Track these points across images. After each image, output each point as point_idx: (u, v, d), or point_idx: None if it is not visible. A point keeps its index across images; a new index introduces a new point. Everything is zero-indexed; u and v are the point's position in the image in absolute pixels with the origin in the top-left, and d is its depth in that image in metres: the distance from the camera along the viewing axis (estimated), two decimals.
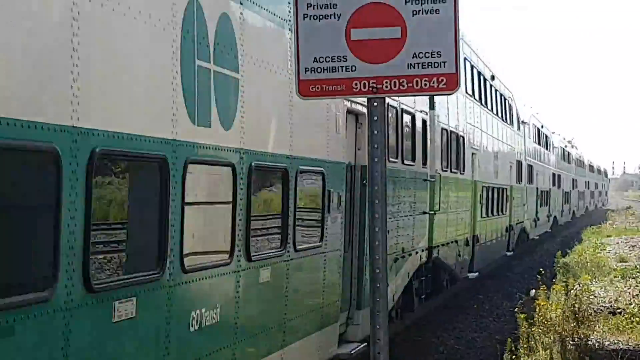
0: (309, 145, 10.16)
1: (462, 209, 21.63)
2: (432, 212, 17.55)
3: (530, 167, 38.06)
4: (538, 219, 41.17)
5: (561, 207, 55.07)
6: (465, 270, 22.61)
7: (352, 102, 11.54)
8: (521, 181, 34.36)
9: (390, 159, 13.72)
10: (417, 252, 16.46)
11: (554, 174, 50.29)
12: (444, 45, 6.30)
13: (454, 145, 20.36)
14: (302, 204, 9.90)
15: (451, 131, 19.87)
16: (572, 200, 65.35)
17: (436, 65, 6.32)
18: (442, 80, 6.33)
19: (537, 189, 40.64)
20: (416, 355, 15.67)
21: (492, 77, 27.36)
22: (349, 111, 11.74)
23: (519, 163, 34.03)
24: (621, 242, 39.50)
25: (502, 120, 29.94)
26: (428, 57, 6.32)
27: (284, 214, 9.39)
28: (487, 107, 26.24)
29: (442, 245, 19.04)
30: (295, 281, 9.88)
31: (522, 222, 34.97)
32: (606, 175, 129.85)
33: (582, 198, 77.49)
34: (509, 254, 30.97)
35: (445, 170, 19.17)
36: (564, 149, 60.46)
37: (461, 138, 21.19)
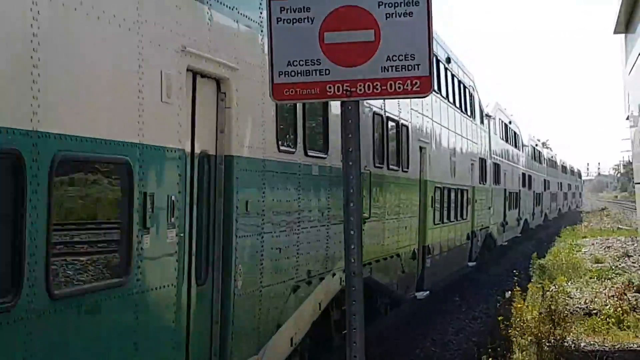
0: (90, 117, 6.59)
1: (406, 214, 17.69)
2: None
3: (496, 165, 34.45)
4: (506, 223, 37.61)
5: (532, 210, 51.69)
6: (413, 289, 18.73)
7: (205, 58, 8.40)
8: (485, 181, 30.64)
9: (289, 148, 10.73)
10: (334, 274, 12.38)
11: (523, 174, 46.93)
12: (418, 48, 6.31)
13: (394, 136, 16.86)
14: (72, 216, 6.65)
15: (388, 117, 16.21)
16: (544, 202, 62.46)
17: (410, 68, 6.32)
18: (416, 83, 6.33)
19: (505, 190, 37.12)
20: (393, 357, 15.65)
21: (448, 60, 22.98)
22: (198, 73, 8.40)
23: (483, 161, 30.09)
24: (596, 243, 39.68)
25: (461, 111, 25.55)
26: (402, 60, 6.32)
27: (20, 234, 5.81)
28: (440, 94, 21.87)
29: (377, 261, 15.31)
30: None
31: (488, 227, 31.14)
32: (580, 177, 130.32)
33: (555, 200, 75.89)
34: (471, 264, 27.38)
35: (380, 167, 15.51)
36: (534, 148, 57.37)
37: (404, 127, 17.45)
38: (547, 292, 19.62)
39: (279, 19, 6.44)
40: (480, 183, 28.99)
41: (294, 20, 6.42)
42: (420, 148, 19.13)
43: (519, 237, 43.36)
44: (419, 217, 18.95)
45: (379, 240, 15.56)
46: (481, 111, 30.55)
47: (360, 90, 6.38)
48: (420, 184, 19.18)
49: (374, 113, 15.19)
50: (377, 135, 15.37)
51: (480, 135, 29.91)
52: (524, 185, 46.71)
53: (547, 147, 78.70)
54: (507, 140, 39.64)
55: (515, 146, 43.68)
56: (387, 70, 6.33)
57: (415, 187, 18.68)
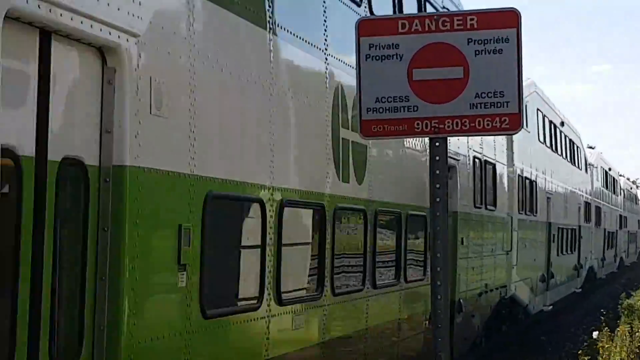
0: None
1: (539, 248, 24.24)
2: (507, 251, 19.35)
3: (598, 208, 39.25)
4: (605, 259, 42.06)
5: (627, 248, 55.97)
6: (540, 304, 24.31)
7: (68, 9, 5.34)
8: (589, 221, 35.65)
9: (476, 205, 15.67)
10: (497, 288, 17.98)
11: (620, 216, 51.29)
12: (507, 85, 6.28)
13: (528, 190, 22.56)
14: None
15: (525, 177, 22.04)
16: (638, 241, 67.86)
17: (499, 105, 6.29)
18: (505, 120, 6.29)
19: (604, 229, 41.83)
20: None
21: (562, 124, 29.34)
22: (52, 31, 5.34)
23: (587, 204, 35.15)
24: None
25: (571, 163, 31.82)
26: (491, 97, 6.29)
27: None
28: (557, 152, 28.27)
29: (517, 281, 20.55)
30: None
31: (590, 260, 36.07)
32: None
33: None
34: (578, 290, 32.37)
35: (521, 213, 21.29)
36: (629, 191, 61.87)
37: (534, 183, 23.34)
38: (637, 333, 19.20)
39: (368, 56, 6.46)
40: (585, 222, 33.88)
41: (383, 58, 6.44)
42: (548, 198, 25.45)
43: (615, 272, 48.44)
44: (545, 250, 25.15)
45: (520, 267, 20.58)
46: (585, 160, 36.26)
47: (448, 127, 6.36)
48: (548, 225, 25.49)
49: (517, 176, 20.69)
50: (520, 191, 21.14)
51: (585, 181, 35.49)
52: (620, 226, 50.84)
53: (638, 187, 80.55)
54: (606, 186, 44.30)
55: (613, 190, 48.17)
56: (476, 107, 6.31)
57: (544, 227, 24.98)
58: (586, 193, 34.89)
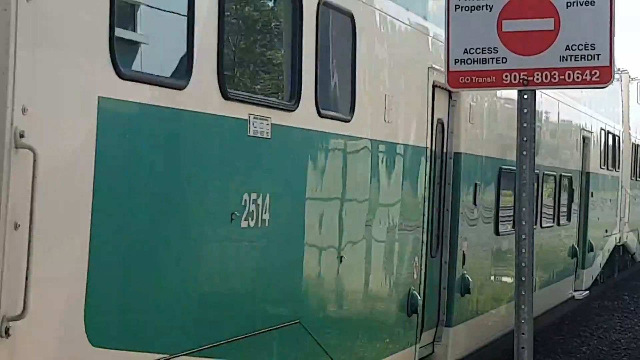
0: None
1: None
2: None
3: None
4: None
5: None
6: None
7: None
8: None
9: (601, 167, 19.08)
10: (613, 234, 21.11)
11: None
12: (599, 37, 6.18)
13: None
14: None
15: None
16: None
17: (589, 58, 6.20)
18: (596, 73, 6.21)
19: None
20: (558, 354, 15.41)
21: None
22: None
23: None
24: None
25: None
26: (582, 49, 6.20)
27: None
28: None
29: (628, 232, 23.40)
30: None
31: None
32: None
33: None
34: None
35: (633, 179, 24.34)
36: None
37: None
38: None
39: (457, 6, 6.41)
40: None
41: (472, 8, 6.38)
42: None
43: None
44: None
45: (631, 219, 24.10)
46: None
47: (537, 79, 6.30)
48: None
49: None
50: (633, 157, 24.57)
51: None
52: None
53: None
54: None
55: None
56: (566, 60, 6.23)
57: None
58: None
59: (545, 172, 14.34)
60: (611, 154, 21.26)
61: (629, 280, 25.48)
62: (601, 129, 20.12)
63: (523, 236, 6.35)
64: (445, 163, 10.20)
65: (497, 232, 11.82)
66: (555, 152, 15.68)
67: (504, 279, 12.36)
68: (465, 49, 6.40)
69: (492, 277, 12.06)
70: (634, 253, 26.00)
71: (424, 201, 9.43)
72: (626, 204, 23.77)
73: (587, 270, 18.61)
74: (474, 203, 10.89)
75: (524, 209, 6.34)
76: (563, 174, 15.88)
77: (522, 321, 6.34)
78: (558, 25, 6.24)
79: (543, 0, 6.26)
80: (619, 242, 23.04)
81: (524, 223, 6.34)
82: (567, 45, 6.23)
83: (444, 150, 10.19)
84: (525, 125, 6.34)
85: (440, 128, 10.05)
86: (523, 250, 6.34)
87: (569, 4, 6.22)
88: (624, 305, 22.01)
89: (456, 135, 10.32)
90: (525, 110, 6.35)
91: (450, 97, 10.19)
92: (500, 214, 11.90)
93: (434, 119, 9.73)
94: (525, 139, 6.34)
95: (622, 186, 22.98)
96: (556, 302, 16.25)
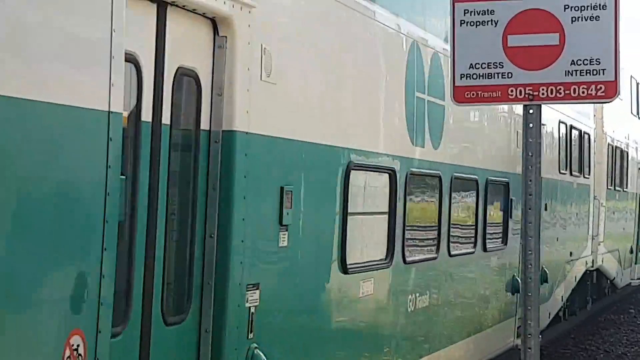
0: None
1: (626, 219, 23.17)
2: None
3: None
4: None
5: None
6: (627, 278, 23.16)
7: None
8: None
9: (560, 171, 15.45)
10: (582, 258, 17.50)
11: None
12: (604, 52, 6.19)
13: (618, 161, 21.83)
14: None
15: (616, 147, 21.28)
16: None
17: (595, 72, 6.21)
18: (601, 88, 6.22)
19: None
20: None
21: None
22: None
23: None
24: None
25: None
26: (587, 64, 6.22)
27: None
28: None
29: (604, 253, 19.61)
30: None
31: None
32: None
33: None
34: None
35: (610, 188, 20.50)
36: None
37: (625, 153, 22.71)
38: None
39: (463, 22, 6.43)
40: None
41: (478, 23, 6.40)
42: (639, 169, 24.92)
43: None
44: (635, 222, 24.51)
45: (607, 238, 19.98)
46: None
47: (542, 94, 6.31)
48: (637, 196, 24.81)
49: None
50: (609, 161, 20.51)
51: None
52: None
53: None
54: None
55: None
56: (571, 75, 6.24)
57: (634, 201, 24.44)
58: None
59: (457, 174, 10.06)
60: (577, 156, 16.77)
61: (636, 293, 25.42)
62: (560, 121, 15.53)
63: (530, 251, 6.35)
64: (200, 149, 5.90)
65: (344, 271, 7.39)
66: (477, 144, 11.38)
67: None
68: (471, 64, 6.42)
69: None
70: (613, 278, 21.17)
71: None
72: (600, 220, 18.98)
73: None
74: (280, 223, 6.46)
75: (530, 223, 6.34)
76: (492, 178, 11.40)
77: (529, 336, 6.34)
78: (563, 40, 6.26)
79: (548, 16, 6.28)
80: (592, 266, 18.25)
81: (530, 237, 6.34)
82: (573, 60, 6.25)
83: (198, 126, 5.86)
84: (530, 140, 6.35)
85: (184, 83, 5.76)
86: (529, 265, 6.35)
87: (573, 19, 6.24)
88: (630, 319, 21.97)
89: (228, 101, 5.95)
90: (531, 125, 6.36)
91: (215, 27, 5.90)
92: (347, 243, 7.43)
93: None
94: (530, 153, 6.34)
95: (594, 197, 18.36)
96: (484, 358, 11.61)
